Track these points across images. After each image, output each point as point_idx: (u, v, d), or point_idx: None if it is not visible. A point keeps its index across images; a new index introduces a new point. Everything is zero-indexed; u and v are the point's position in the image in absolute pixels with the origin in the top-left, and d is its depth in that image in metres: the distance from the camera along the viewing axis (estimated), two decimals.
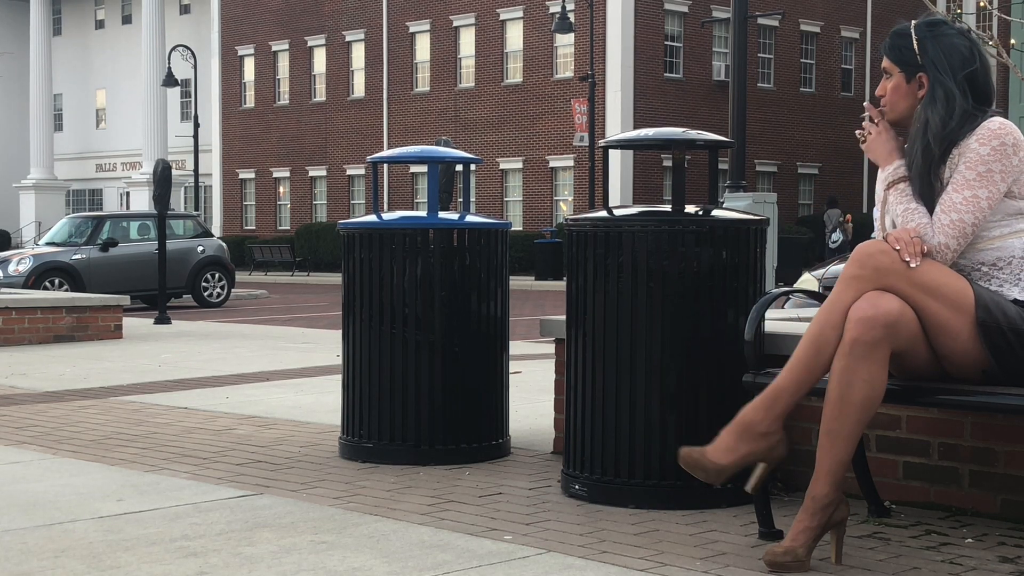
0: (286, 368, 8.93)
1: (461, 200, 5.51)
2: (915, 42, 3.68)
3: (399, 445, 5.07)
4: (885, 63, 3.74)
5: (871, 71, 42.31)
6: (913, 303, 3.45)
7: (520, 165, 38.95)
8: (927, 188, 3.61)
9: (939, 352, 3.51)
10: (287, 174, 46.59)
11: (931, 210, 3.61)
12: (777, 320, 4.77)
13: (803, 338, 3.52)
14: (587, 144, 33.59)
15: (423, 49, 41.89)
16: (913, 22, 3.74)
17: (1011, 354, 3.47)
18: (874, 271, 3.46)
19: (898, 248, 3.47)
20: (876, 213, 3.82)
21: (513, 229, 30.60)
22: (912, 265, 3.44)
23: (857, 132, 3.81)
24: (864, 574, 3.39)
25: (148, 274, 19.31)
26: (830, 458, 3.42)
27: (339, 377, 6.65)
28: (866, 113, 3.78)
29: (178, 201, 48.30)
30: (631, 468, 4.23)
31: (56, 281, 20.04)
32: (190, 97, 48.23)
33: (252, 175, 47.95)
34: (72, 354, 10.07)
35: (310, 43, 45.47)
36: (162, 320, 13.98)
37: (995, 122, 3.58)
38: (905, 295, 3.44)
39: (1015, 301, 3.54)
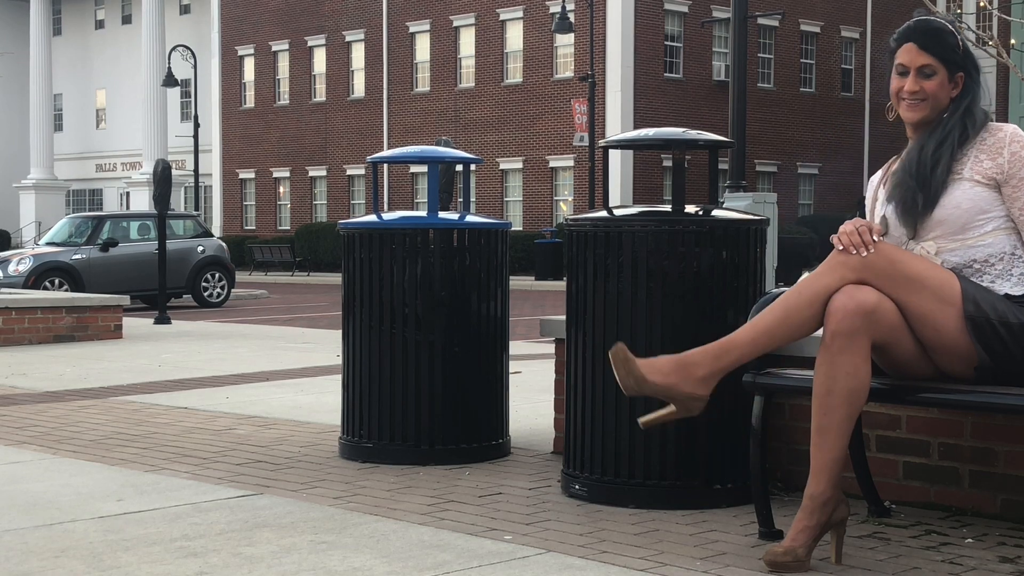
0: (286, 368, 8.93)
1: (461, 200, 5.50)
2: (960, 42, 3.69)
3: (399, 445, 5.07)
4: (928, 59, 3.66)
5: (871, 71, 42.30)
6: (894, 295, 3.46)
7: (520, 165, 38.96)
8: (944, 171, 3.59)
9: (926, 345, 3.51)
10: (287, 174, 46.59)
11: (926, 188, 3.60)
12: None
13: (773, 304, 3.52)
14: (587, 144, 33.60)
15: (423, 49, 41.90)
16: (946, 22, 3.73)
17: (1003, 348, 3.47)
18: (859, 260, 3.48)
19: (842, 239, 3.47)
20: (867, 201, 3.85)
21: (513, 229, 30.55)
22: (863, 254, 3.45)
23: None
24: (864, 574, 3.39)
25: (148, 274, 19.29)
26: (823, 454, 3.43)
27: (339, 377, 6.65)
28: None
29: (178, 201, 48.30)
30: (631, 468, 4.23)
31: (56, 281, 20.03)
32: (190, 97, 48.24)
33: (252, 175, 47.95)
34: (72, 354, 10.06)
35: (310, 43, 45.47)
36: (162, 320, 13.99)
37: (998, 124, 3.65)
38: (886, 286, 3.46)
39: (1007, 296, 3.55)
